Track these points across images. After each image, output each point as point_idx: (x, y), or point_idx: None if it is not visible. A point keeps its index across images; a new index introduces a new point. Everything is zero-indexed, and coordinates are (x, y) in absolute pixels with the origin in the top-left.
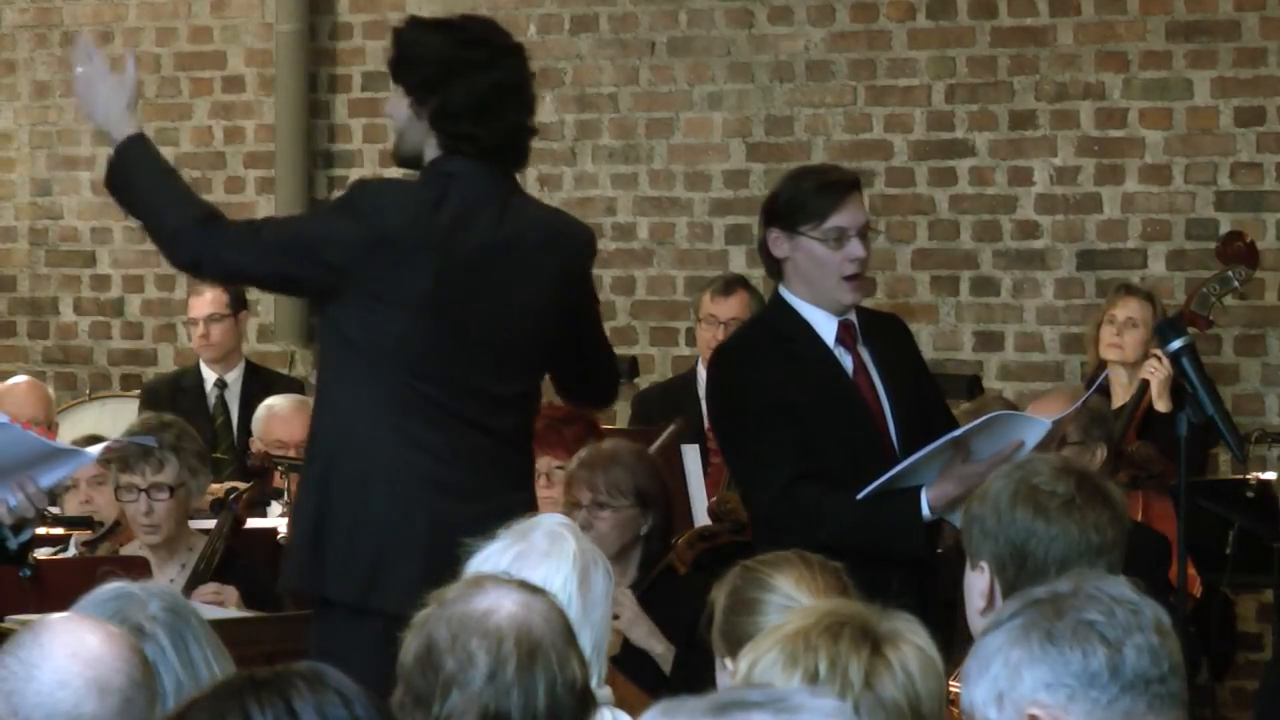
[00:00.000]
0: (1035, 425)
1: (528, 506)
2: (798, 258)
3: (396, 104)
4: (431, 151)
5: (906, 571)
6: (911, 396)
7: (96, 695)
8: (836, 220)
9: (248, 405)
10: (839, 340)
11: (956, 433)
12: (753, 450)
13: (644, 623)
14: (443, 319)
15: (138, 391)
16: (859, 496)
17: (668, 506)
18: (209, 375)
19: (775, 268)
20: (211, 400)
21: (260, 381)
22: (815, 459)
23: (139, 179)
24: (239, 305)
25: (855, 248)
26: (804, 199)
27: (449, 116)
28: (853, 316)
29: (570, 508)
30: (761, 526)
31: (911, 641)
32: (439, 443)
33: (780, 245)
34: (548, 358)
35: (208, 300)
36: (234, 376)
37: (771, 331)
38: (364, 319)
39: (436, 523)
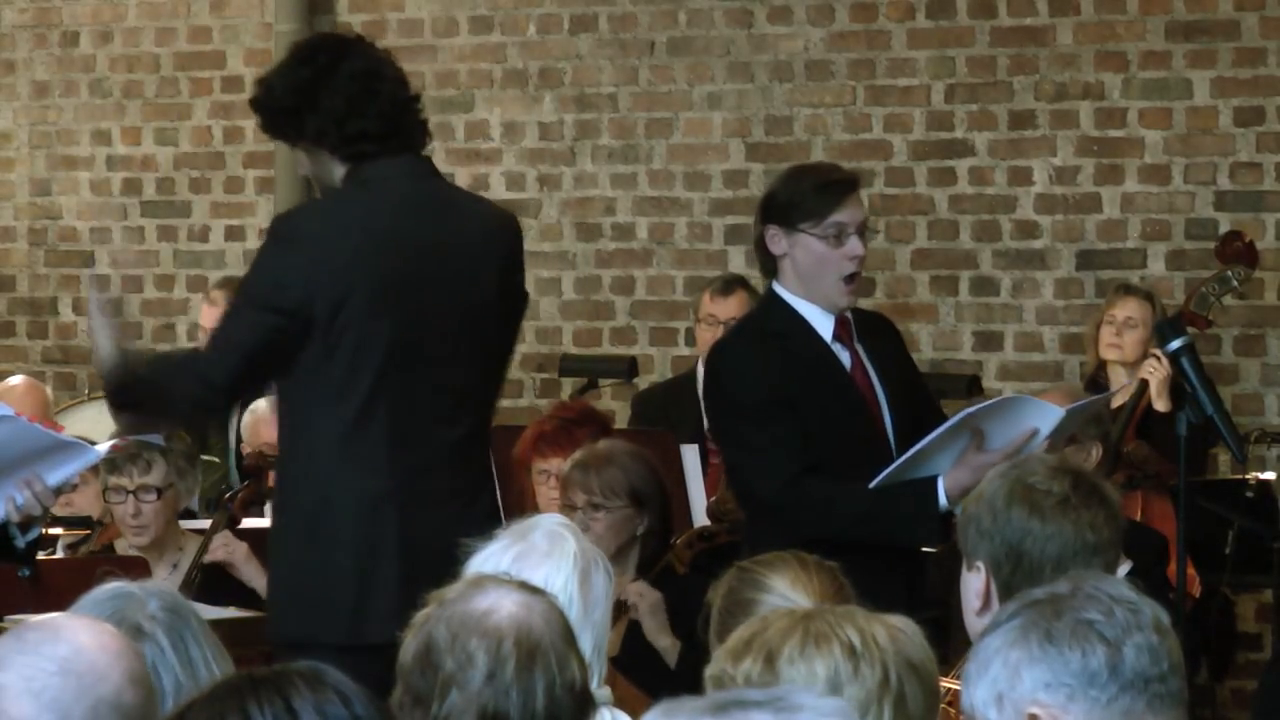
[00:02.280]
0: (1049, 412)
1: (495, 502)
2: (796, 254)
3: (298, 159)
4: (339, 170)
5: (897, 571)
6: (906, 394)
7: (132, 685)
8: (837, 217)
9: (243, 406)
10: (836, 337)
11: (971, 409)
12: (756, 443)
13: (660, 615)
14: (403, 316)
15: None
16: (871, 485)
17: (664, 506)
18: None
19: (771, 265)
20: None
21: None
22: (815, 453)
23: (137, 392)
24: None
25: (854, 245)
26: (804, 196)
27: (329, 129)
28: (848, 314)
29: (566, 510)
30: (763, 519)
31: (896, 620)
32: (405, 456)
33: (778, 242)
34: (501, 349)
35: (220, 313)
36: None
37: (768, 328)
38: (327, 339)
39: (406, 541)
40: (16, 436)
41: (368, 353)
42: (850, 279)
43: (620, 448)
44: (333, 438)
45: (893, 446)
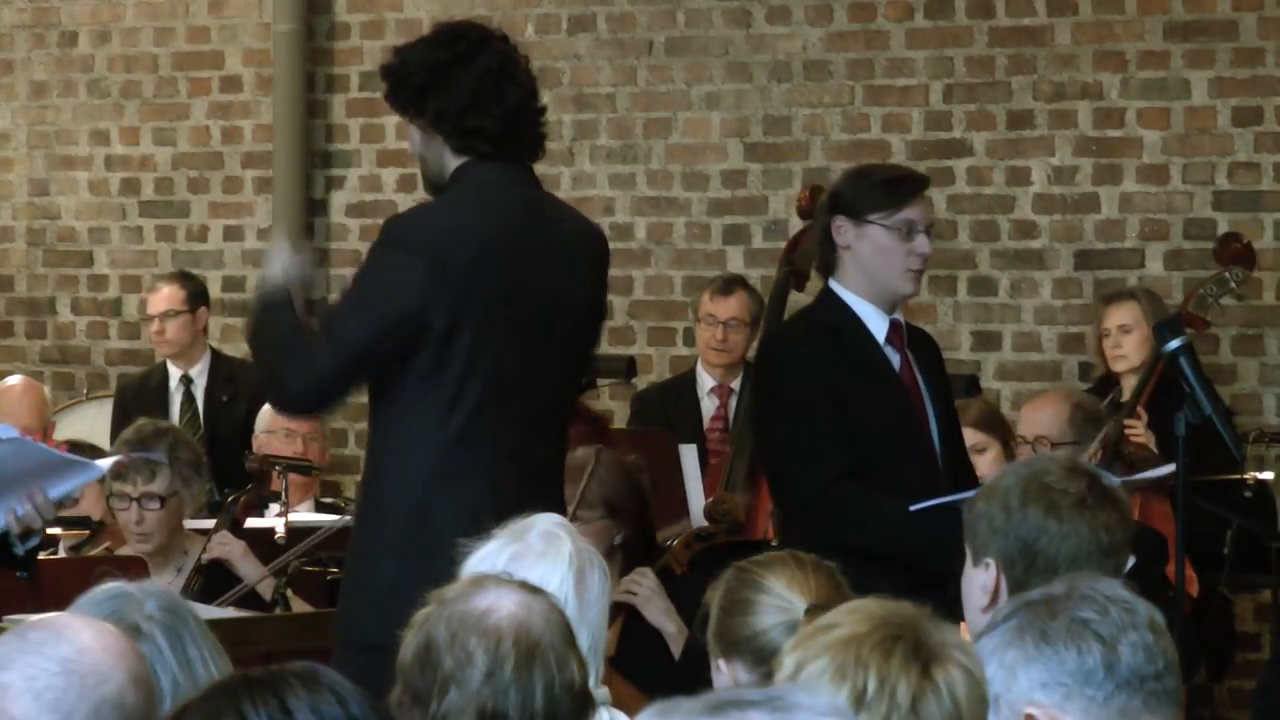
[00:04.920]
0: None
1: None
2: (861, 247)
3: (411, 134)
4: (451, 161)
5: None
6: (948, 405)
7: (134, 686)
8: (909, 213)
9: (211, 398)
10: (888, 339)
11: None
12: (798, 442)
13: (660, 599)
14: (514, 328)
15: None
16: (912, 509)
17: (641, 515)
18: (174, 372)
19: (831, 259)
20: (178, 398)
21: (224, 373)
22: (859, 453)
23: (275, 324)
24: (197, 301)
25: (923, 242)
26: (874, 189)
27: (450, 115)
28: (900, 318)
29: None
30: (799, 522)
31: (960, 663)
32: (507, 468)
33: (845, 233)
34: (584, 365)
35: (163, 296)
36: (198, 371)
37: (822, 324)
38: (440, 348)
39: None
40: (20, 456)
41: (481, 364)
42: (914, 270)
43: (595, 457)
44: (439, 446)
45: (937, 450)
